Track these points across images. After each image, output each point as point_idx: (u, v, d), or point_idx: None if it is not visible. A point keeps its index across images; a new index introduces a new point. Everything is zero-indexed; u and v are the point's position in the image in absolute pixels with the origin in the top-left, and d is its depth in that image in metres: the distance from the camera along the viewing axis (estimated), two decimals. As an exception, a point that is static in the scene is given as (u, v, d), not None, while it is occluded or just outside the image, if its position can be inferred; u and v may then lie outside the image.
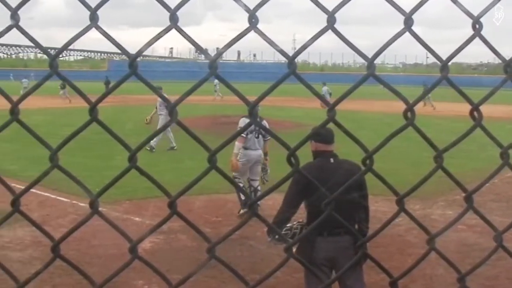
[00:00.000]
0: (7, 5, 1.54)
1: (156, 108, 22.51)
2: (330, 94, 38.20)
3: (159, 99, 21.13)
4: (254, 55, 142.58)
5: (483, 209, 2.15)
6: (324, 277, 6.03)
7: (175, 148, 21.12)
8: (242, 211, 12.49)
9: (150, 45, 1.61)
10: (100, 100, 1.62)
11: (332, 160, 6.37)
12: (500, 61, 1.82)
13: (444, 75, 1.71)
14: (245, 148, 12.67)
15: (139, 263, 1.77)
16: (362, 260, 5.58)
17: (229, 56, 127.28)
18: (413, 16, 1.66)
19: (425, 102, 44.93)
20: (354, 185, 5.71)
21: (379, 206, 11.71)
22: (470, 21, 1.73)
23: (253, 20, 1.57)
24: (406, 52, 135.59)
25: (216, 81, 42.51)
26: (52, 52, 1.63)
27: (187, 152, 18.57)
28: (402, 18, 1.66)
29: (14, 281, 1.75)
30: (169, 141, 21.39)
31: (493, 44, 1.78)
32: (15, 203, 1.65)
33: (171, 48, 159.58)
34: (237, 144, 12.39)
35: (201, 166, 1.60)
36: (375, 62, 1.68)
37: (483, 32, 1.74)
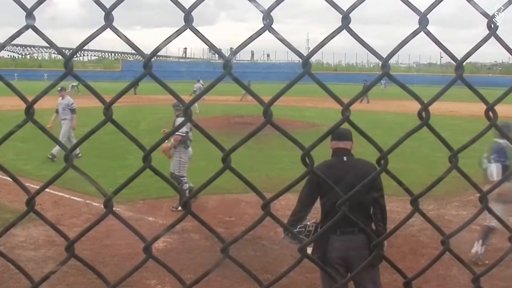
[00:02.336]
0: (22, 6, 1.55)
1: (58, 112, 19.75)
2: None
3: (61, 101, 19.51)
4: (268, 55, 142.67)
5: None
6: (339, 277, 6.03)
7: (79, 156, 18.33)
8: (179, 208, 12.49)
9: (165, 45, 1.61)
10: (114, 100, 1.62)
11: (345, 158, 6.32)
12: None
13: (459, 74, 1.70)
14: (187, 147, 13.04)
15: (152, 262, 1.77)
16: (377, 261, 5.67)
17: (243, 56, 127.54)
18: (427, 16, 1.66)
19: (362, 98, 45.13)
20: (369, 185, 5.70)
21: (393, 206, 11.69)
22: (484, 20, 1.72)
23: (267, 20, 1.56)
24: (420, 52, 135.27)
25: (200, 82, 41.94)
26: (66, 52, 1.63)
27: (200, 152, 18.60)
28: (415, 17, 1.65)
29: (28, 280, 1.76)
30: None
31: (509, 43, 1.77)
32: (30, 202, 1.66)
33: (185, 48, 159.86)
34: (173, 142, 12.64)
35: (214, 166, 1.61)
36: (389, 61, 1.68)
37: (498, 31, 1.73)
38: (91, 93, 1.68)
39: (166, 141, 12.64)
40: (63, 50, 1.65)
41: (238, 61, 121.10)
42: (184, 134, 12.67)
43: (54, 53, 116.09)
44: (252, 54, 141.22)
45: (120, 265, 9.10)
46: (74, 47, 1.69)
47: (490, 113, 1.78)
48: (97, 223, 1.74)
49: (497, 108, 1.80)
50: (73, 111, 19.48)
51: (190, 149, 13.21)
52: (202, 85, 40.64)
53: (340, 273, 6.16)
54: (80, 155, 18.44)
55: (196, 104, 37.04)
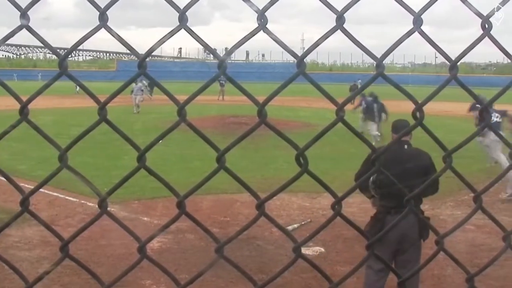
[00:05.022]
0: (17, 6, 1.55)
1: None
2: (149, 90, 38.05)
3: None
4: (263, 55, 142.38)
5: (491, 209, 2.14)
6: (386, 256, 6.69)
7: None
8: None
9: (162, 43, 1.61)
10: (109, 100, 1.62)
11: (406, 146, 7.06)
12: (508, 61, 1.81)
13: (453, 74, 1.71)
14: None
15: (147, 262, 1.77)
16: (425, 237, 6.74)
17: (238, 56, 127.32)
18: (422, 16, 1.66)
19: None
20: (420, 170, 6.64)
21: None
22: (479, 21, 1.72)
23: (262, 20, 1.56)
24: (415, 52, 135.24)
25: (144, 82, 39.95)
26: (61, 52, 1.63)
27: (196, 152, 18.58)
28: (410, 17, 1.66)
29: (23, 280, 1.75)
30: None
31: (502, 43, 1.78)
32: (24, 203, 1.66)
33: (180, 48, 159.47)
34: None
35: (210, 166, 1.61)
36: (384, 62, 1.68)
37: (492, 32, 1.73)
38: (86, 93, 1.68)
39: None
40: (58, 50, 1.65)
41: (233, 61, 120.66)
42: None
43: (48, 53, 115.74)
44: (247, 54, 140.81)
45: (115, 265, 9.09)
46: (69, 47, 1.69)
47: (484, 113, 1.79)
48: (91, 223, 1.74)
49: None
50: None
51: None
52: (146, 85, 39.66)
53: (386, 252, 6.71)
54: None
55: (138, 103, 36.99)
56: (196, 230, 10.51)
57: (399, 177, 6.09)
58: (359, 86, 50.80)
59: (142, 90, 38.24)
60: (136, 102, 37.26)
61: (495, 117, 16.51)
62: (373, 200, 7.06)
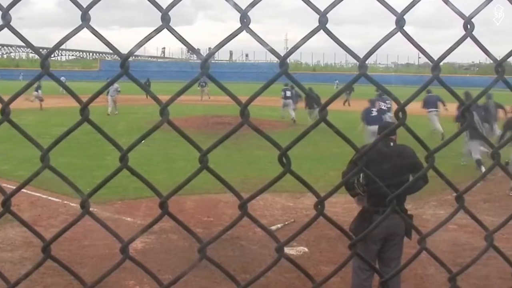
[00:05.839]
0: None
1: None
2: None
3: None
4: (247, 55, 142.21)
5: (474, 209, 2.15)
6: (370, 254, 6.88)
7: None
8: None
9: (142, 45, 1.61)
10: (91, 100, 1.62)
11: (392, 144, 7.18)
12: (491, 61, 1.82)
13: (435, 75, 1.71)
14: None
15: (130, 263, 1.77)
16: (409, 234, 6.77)
17: (221, 56, 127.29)
18: (405, 16, 1.66)
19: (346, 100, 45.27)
20: (406, 167, 6.84)
21: (371, 206, 11.73)
22: (462, 21, 1.73)
23: (244, 20, 1.56)
24: (398, 52, 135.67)
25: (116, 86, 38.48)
26: (44, 52, 1.62)
27: (179, 152, 18.53)
28: (394, 18, 1.66)
29: (4, 281, 1.74)
30: None
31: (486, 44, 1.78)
32: (5, 203, 1.64)
33: (163, 48, 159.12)
34: None
35: (193, 166, 1.60)
36: (367, 62, 1.68)
37: (475, 32, 1.74)
38: (68, 93, 1.67)
39: None
40: (41, 50, 1.64)
41: (216, 61, 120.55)
42: None
43: (31, 52, 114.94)
44: (231, 54, 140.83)
45: (98, 266, 9.05)
46: (52, 46, 1.68)
47: (466, 113, 1.80)
48: (73, 224, 1.73)
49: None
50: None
51: None
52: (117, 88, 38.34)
53: (372, 251, 6.93)
54: None
55: (114, 105, 36.19)
56: (180, 231, 10.47)
57: (387, 175, 6.17)
58: (338, 86, 51.25)
59: (119, 91, 37.47)
60: (111, 103, 36.18)
61: (384, 106, 19.97)
62: (357, 198, 7.09)
